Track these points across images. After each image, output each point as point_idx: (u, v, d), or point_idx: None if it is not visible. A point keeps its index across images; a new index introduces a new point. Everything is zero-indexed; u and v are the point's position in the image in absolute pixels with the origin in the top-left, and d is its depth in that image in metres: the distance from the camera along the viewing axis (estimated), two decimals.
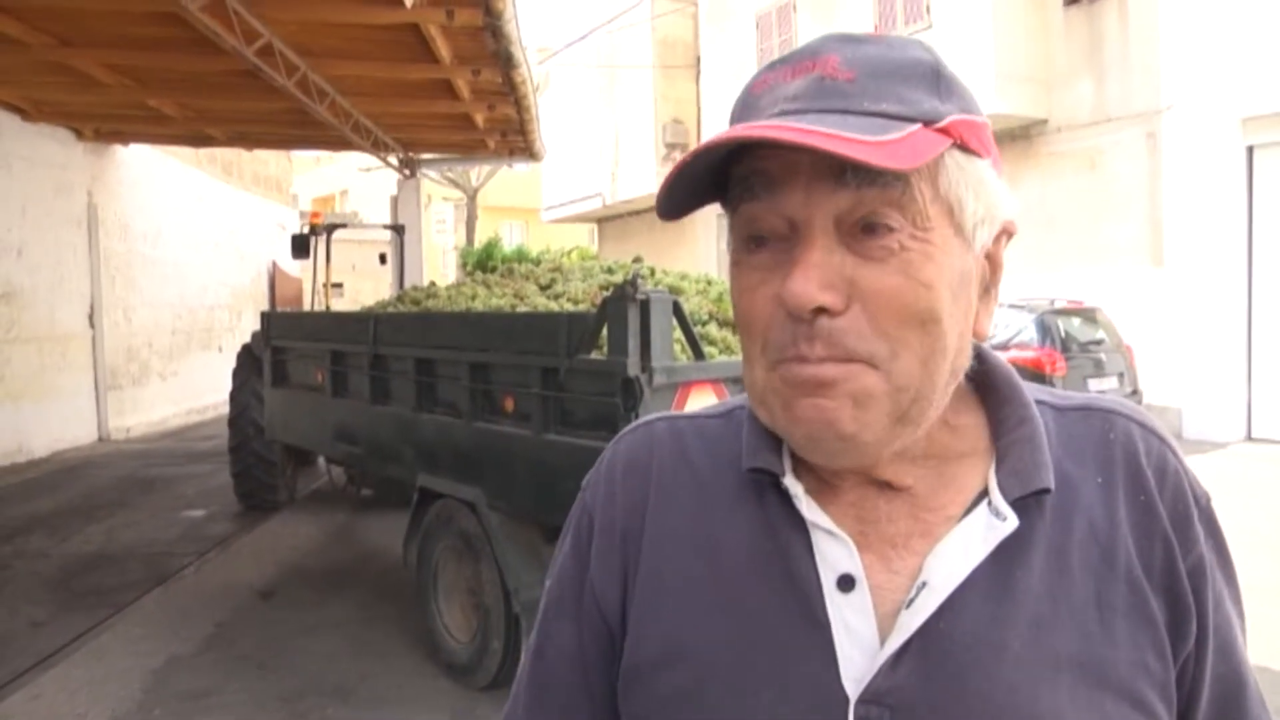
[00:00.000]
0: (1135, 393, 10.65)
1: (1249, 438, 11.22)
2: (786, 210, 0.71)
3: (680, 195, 0.77)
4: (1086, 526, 0.76)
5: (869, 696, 0.72)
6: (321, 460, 8.00)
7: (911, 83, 0.72)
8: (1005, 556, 0.74)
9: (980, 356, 0.82)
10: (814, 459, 0.77)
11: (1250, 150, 11.14)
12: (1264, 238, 11.14)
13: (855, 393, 0.70)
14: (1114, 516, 0.77)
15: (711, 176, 0.76)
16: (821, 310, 0.69)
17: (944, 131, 0.71)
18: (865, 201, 0.69)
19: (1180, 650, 0.76)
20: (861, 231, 0.70)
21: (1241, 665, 0.81)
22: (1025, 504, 0.75)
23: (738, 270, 0.77)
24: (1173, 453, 0.80)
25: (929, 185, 0.71)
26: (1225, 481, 8.74)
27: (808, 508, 0.77)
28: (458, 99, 10.89)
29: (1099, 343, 10.58)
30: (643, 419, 0.94)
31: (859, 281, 0.70)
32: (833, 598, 0.75)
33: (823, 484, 0.79)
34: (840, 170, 0.69)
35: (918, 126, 0.70)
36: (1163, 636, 0.75)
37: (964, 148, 0.73)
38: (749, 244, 0.75)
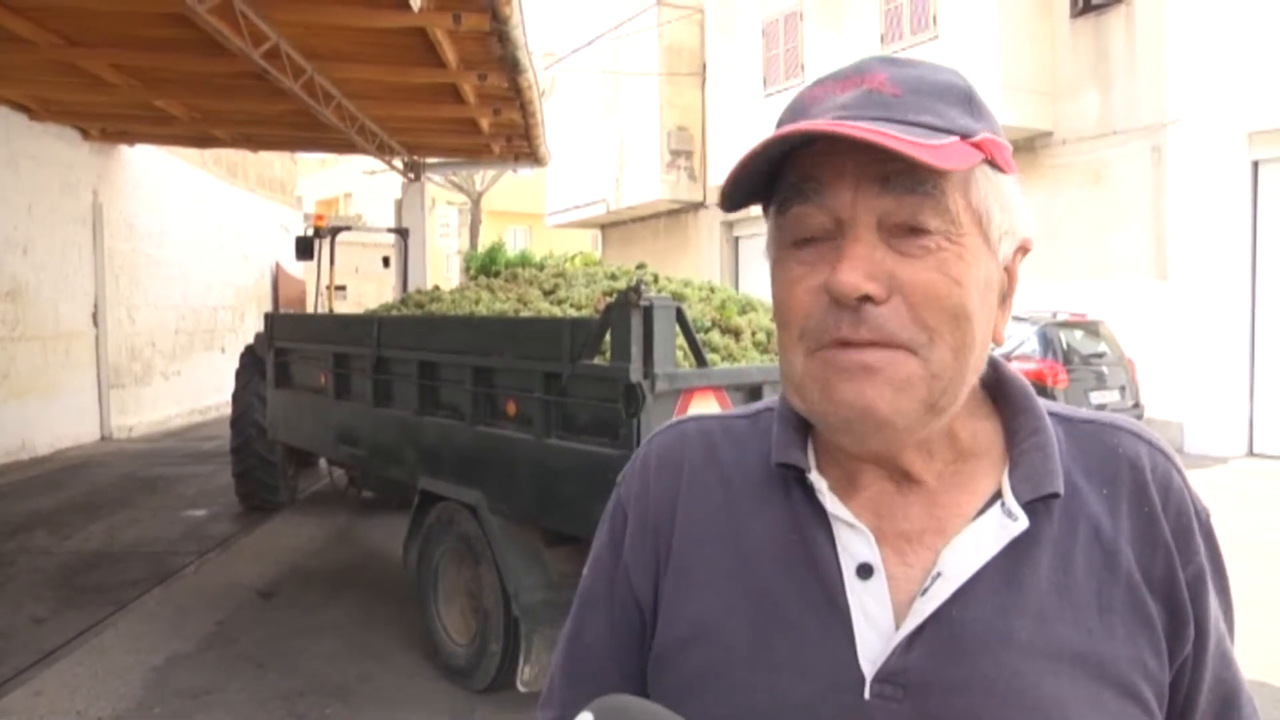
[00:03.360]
0: (1137, 406, 10.65)
1: (1250, 453, 11.22)
2: (834, 210, 0.78)
3: (743, 189, 0.83)
4: (1091, 532, 0.82)
5: (884, 676, 0.78)
6: (323, 462, 8.01)
7: (949, 102, 0.79)
8: (1014, 554, 0.80)
9: (995, 367, 0.88)
10: (845, 441, 0.82)
11: (1255, 165, 11.16)
12: (1268, 253, 11.15)
13: (895, 379, 0.76)
14: (1117, 525, 0.82)
15: (764, 177, 0.82)
16: (866, 299, 0.75)
17: (977, 147, 0.77)
18: (905, 205, 0.76)
19: (1177, 653, 0.81)
20: (904, 233, 0.77)
21: (1237, 672, 0.86)
22: (1035, 507, 0.81)
23: (781, 265, 0.83)
24: (1177, 470, 0.86)
25: (962, 195, 0.78)
26: (1226, 496, 8.74)
27: (830, 501, 0.84)
28: (463, 103, 10.91)
29: (1101, 356, 10.59)
30: (674, 420, 1.01)
31: (899, 275, 0.76)
32: (852, 584, 0.81)
33: (844, 480, 0.85)
34: (885, 177, 0.76)
35: (955, 139, 0.76)
36: (1160, 639, 0.80)
37: (993, 164, 0.80)
38: (795, 238, 0.81)
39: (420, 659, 4.95)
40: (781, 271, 0.82)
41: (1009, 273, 0.84)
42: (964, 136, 0.76)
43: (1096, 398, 10.11)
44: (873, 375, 0.76)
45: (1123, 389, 10.54)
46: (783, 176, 0.81)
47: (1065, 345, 10.27)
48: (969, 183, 0.78)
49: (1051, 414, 0.87)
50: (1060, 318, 10.50)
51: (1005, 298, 0.84)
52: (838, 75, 0.82)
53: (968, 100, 0.80)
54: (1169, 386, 11.40)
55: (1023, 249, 0.84)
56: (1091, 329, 10.74)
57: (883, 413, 0.76)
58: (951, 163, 0.73)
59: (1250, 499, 8.81)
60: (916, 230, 0.76)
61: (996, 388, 0.88)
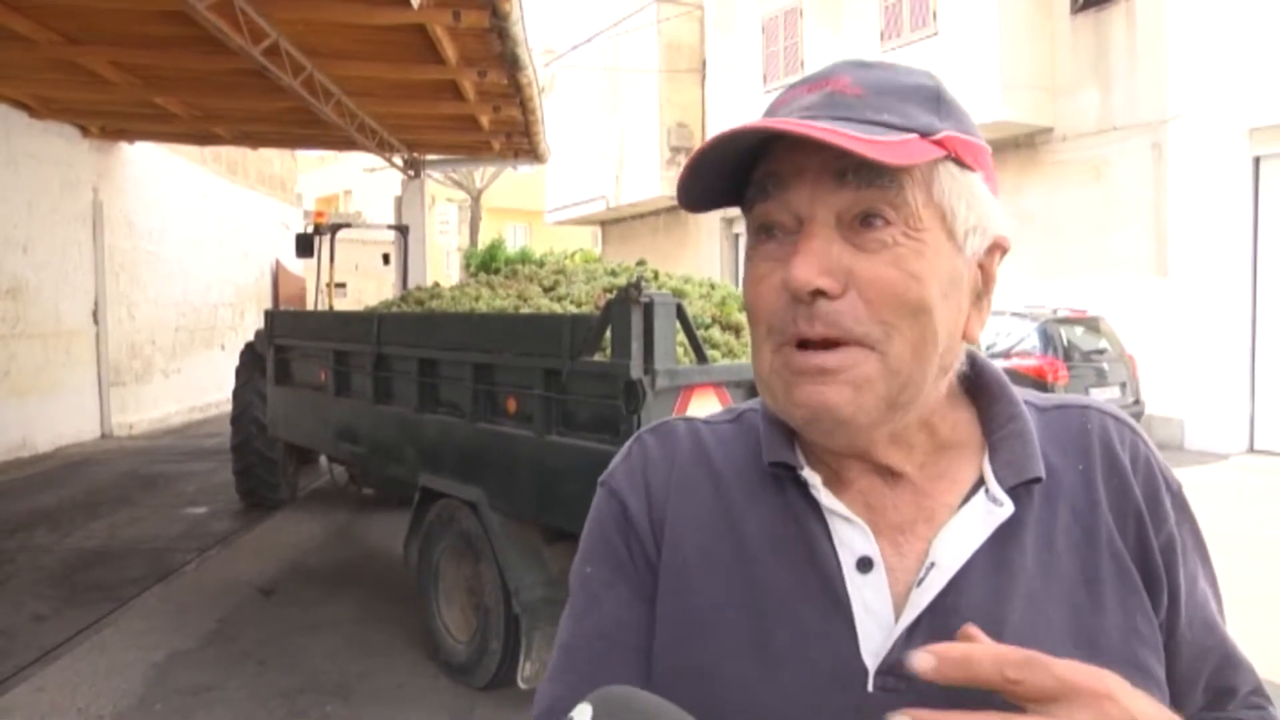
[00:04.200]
0: (1137, 403, 10.64)
1: (1251, 449, 11.21)
2: (794, 206, 0.79)
3: (700, 189, 0.85)
4: (1069, 511, 0.84)
5: (886, 668, 0.79)
6: (323, 459, 8.01)
7: (913, 102, 0.80)
8: (1002, 539, 0.81)
9: (972, 361, 0.90)
10: (813, 438, 0.84)
11: (1256, 161, 11.14)
12: (1269, 249, 11.14)
13: (854, 379, 0.77)
14: (1094, 498, 0.85)
15: (731, 178, 0.84)
16: (820, 293, 0.76)
17: (939, 144, 0.78)
18: (863, 200, 0.77)
19: (1158, 617, 0.83)
20: (859, 225, 0.78)
21: (1227, 642, 0.89)
22: (1018, 492, 0.82)
23: (749, 262, 0.84)
24: (1144, 442, 0.89)
25: (923, 191, 0.78)
26: (1227, 493, 8.74)
27: (825, 496, 0.84)
28: (463, 100, 10.91)
29: (1101, 352, 10.58)
30: (662, 420, 1.00)
31: (855, 270, 0.77)
32: (852, 578, 0.82)
33: (833, 477, 0.86)
34: (842, 172, 0.77)
35: (914, 136, 0.77)
36: (1147, 603, 0.82)
37: (959, 162, 0.80)
38: (759, 236, 0.83)
39: (421, 656, 4.95)
40: (749, 268, 0.84)
41: (984, 270, 0.84)
42: (924, 134, 0.77)
43: (1097, 394, 10.09)
44: (831, 376, 0.77)
45: (1123, 385, 10.53)
46: (754, 174, 0.82)
47: (1066, 341, 10.26)
48: (930, 179, 0.78)
49: (1024, 401, 0.89)
50: (1061, 314, 10.49)
51: (980, 296, 0.85)
52: (808, 79, 0.83)
53: (935, 100, 0.81)
54: (1170, 383, 11.40)
55: (999, 248, 0.85)
56: (1092, 325, 10.73)
57: (843, 412, 0.77)
58: (899, 157, 0.74)
59: (1251, 496, 8.80)
60: (872, 221, 0.77)
61: (973, 378, 0.90)
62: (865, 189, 0.76)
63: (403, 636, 5.23)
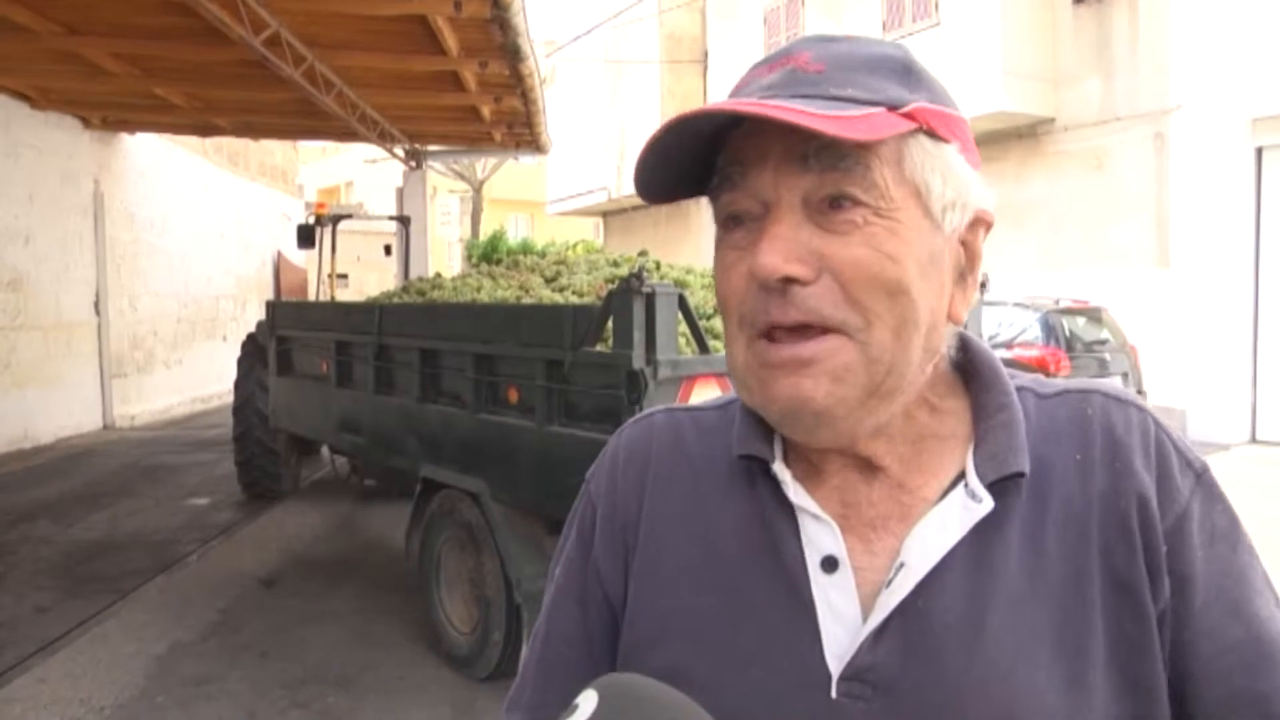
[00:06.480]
0: (1140, 393, 10.62)
1: (1253, 439, 11.20)
2: (758, 191, 0.75)
3: (661, 179, 0.81)
4: (1062, 507, 0.77)
5: (851, 673, 0.74)
6: (325, 450, 8.02)
7: (879, 74, 0.75)
8: (982, 538, 0.76)
9: (965, 345, 0.84)
10: (793, 435, 0.80)
11: (1259, 151, 11.10)
12: (1271, 239, 11.11)
13: (833, 369, 0.73)
14: (1088, 489, 0.78)
15: (696, 168, 0.80)
16: (792, 280, 0.72)
17: (908, 116, 0.73)
18: (828, 183, 0.73)
19: (1156, 607, 0.75)
20: (828, 208, 0.73)
21: (1263, 638, 0.77)
22: (1002, 487, 0.77)
23: (718, 252, 0.80)
24: (1154, 421, 0.81)
25: (892, 168, 0.74)
26: (1229, 483, 8.66)
27: (795, 493, 0.80)
28: (464, 91, 10.89)
29: (1104, 342, 10.56)
30: (644, 412, 0.98)
31: (826, 254, 0.73)
32: (817, 578, 0.77)
33: (810, 469, 0.82)
34: (804, 155, 0.73)
35: (880, 110, 0.72)
36: (1144, 597, 0.75)
37: (932, 134, 0.75)
38: (726, 224, 0.79)
39: (422, 648, 4.96)
40: (718, 259, 0.80)
41: (968, 248, 0.80)
42: (892, 107, 0.73)
43: None
44: (808, 367, 0.73)
45: (1125, 376, 10.51)
46: (719, 162, 0.78)
47: (1068, 332, 10.23)
48: (901, 155, 0.74)
49: (1023, 388, 0.83)
50: (1062, 304, 10.46)
51: (965, 275, 0.80)
52: (769, 57, 0.79)
53: (904, 72, 0.76)
54: (1172, 373, 11.38)
55: (982, 222, 0.80)
56: (1094, 316, 10.71)
57: (820, 404, 0.73)
58: (860, 132, 0.69)
59: (1253, 486, 8.79)
60: (840, 203, 0.73)
61: (966, 365, 0.84)
62: (829, 172, 0.72)
63: (404, 628, 5.23)
